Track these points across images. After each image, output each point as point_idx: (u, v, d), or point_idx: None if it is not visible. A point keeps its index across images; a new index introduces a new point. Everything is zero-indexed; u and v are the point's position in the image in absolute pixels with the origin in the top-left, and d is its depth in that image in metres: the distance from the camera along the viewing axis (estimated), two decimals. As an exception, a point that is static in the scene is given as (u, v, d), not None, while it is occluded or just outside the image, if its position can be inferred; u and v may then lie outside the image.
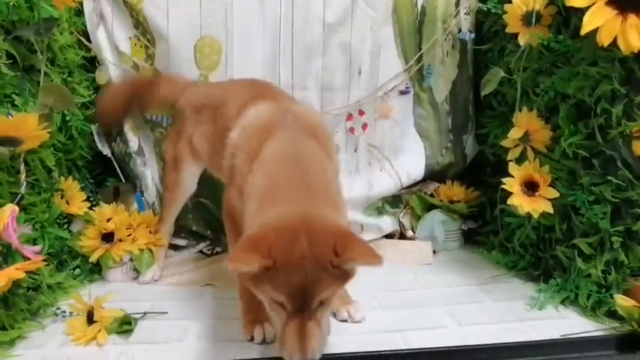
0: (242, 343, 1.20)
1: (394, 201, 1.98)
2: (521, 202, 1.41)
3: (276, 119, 1.26)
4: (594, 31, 1.18)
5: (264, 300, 1.02)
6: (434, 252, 1.84)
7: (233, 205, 1.26)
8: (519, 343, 1.18)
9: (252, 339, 1.18)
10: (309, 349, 0.95)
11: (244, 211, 1.13)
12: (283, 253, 0.94)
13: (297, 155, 1.16)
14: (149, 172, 1.84)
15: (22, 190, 1.31)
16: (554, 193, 1.39)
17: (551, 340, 1.19)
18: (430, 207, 1.96)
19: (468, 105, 1.99)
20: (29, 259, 1.21)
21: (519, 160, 1.48)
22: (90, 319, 1.21)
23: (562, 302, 1.36)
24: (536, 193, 1.42)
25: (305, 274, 0.94)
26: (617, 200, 1.30)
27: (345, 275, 1.00)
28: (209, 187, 1.80)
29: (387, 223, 1.95)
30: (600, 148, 1.31)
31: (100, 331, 1.20)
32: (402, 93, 1.90)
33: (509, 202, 1.43)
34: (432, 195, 1.98)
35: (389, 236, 1.96)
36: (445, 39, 1.88)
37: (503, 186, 1.45)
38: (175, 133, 1.68)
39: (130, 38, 1.78)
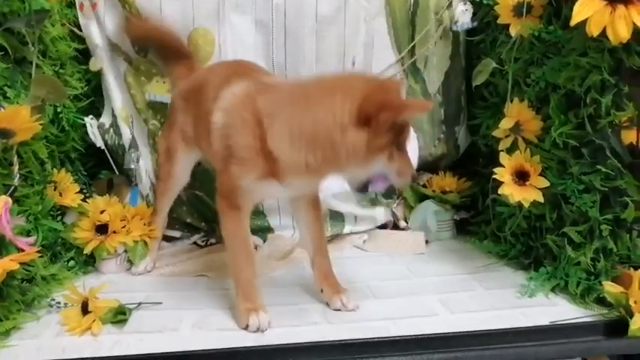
0: (236, 332, 1.21)
1: (387, 192, 1.99)
2: (511, 192, 1.43)
3: (252, 89, 1.25)
4: (584, 22, 1.18)
5: (384, 156, 1.12)
6: (426, 242, 1.85)
7: (234, 183, 1.22)
8: (510, 330, 1.20)
9: (247, 327, 1.20)
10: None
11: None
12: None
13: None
14: (143, 165, 1.84)
15: (15, 182, 1.32)
16: (544, 183, 1.40)
17: (541, 326, 1.21)
18: (423, 198, 1.97)
19: (461, 96, 2.00)
20: (23, 250, 1.22)
21: (510, 150, 1.50)
22: (84, 310, 1.22)
23: (552, 290, 1.38)
24: (527, 183, 1.43)
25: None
26: (606, 189, 1.31)
27: None
28: (203, 179, 1.81)
29: (381, 214, 1.96)
30: (590, 138, 1.32)
31: (94, 321, 1.20)
32: None
33: (500, 191, 1.45)
34: (424, 186, 1.99)
35: (382, 227, 1.97)
36: (437, 31, 1.89)
37: (495, 176, 1.46)
38: (168, 125, 1.69)
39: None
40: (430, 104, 1.23)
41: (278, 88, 1.26)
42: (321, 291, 1.37)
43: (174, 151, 1.62)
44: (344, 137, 1.07)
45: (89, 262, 1.63)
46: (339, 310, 1.32)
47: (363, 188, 1.27)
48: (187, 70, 1.69)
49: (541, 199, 1.41)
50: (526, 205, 1.42)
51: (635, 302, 1.16)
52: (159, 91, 1.81)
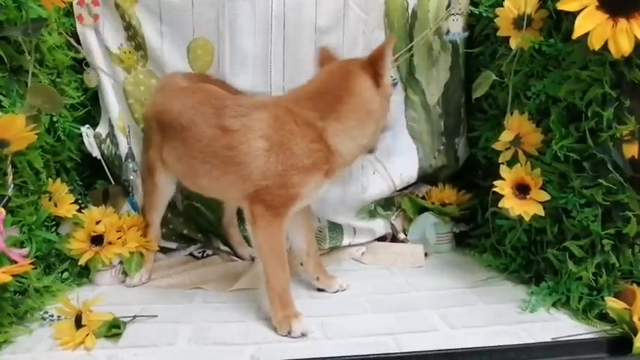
0: (232, 347, 1.19)
1: (386, 204, 1.98)
2: (512, 205, 1.41)
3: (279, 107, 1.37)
4: (585, 35, 1.18)
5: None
6: (425, 255, 1.84)
7: (293, 193, 1.31)
8: (511, 346, 1.18)
9: (289, 334, 1.23)
10: None
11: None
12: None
13: None
14: (139, 175, 1.83)
15: (10, 192, 1.30)
16: (545, 196, 1.39)
17: (542, 342, 1.19)
18: (422, 210, 1.95)
19: (460, 108, 2.00)
20: (16, 262, 1.20)
21: (510, 163, 1.48)
22: (78, 323, 1.20)
23: (554, 305, 1.36)
24: (527, 196, 1.42)
25: None
26: (608, 203, 1.30)
27: None
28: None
29: (380, 226, 1.94)
30: (591, 152, 1.31)
31: (88, 335, 1.18)
32: None
33: (500, 204, 1.44)
34: (423, 197, 1.98)
35: (381, 239, 1.95)
36: (433, 39, 1.88)
37: (495, 189, 1.45)
38: (145, 141, 1.69)
39: (120, 46, 1.77)
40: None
41: (297, 94, 1.41)
42: (317, 279, 1.55)
43: (154, 167, 1.60)
44: (377, 102, 1.35)
45: (83, 274, 1.60)
46: (337, 291, 1.53)
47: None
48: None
49: (542, 213, 1.39)
50: (527, 218, 1.41)
51: (639, 319, 1.14)
52: None
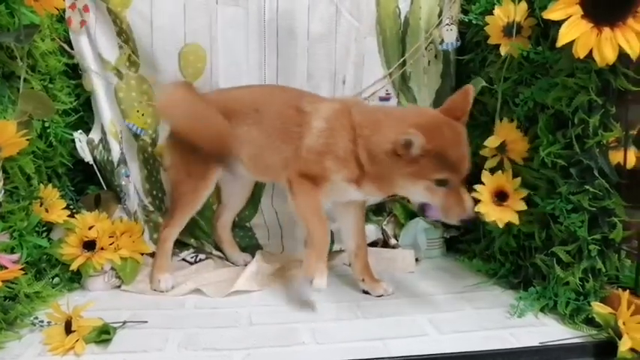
0: (222, 352, 1.19)
1: (377, 209, 1.99)
2: (487, 210, 1.44)
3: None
4: (571, 44, 1.20)
5: (421, 185, 1.32)
6: (416, 260, 1.85)
7: (325, 175, 1.46)
8: (499, 351, 1.19)
9: (310, 282, 1.37)
10: (470, 207, 1.33)
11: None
12: (439, 137, 1.27)
13: None
14: (132, 180, 1.83)
15: (0, 197, 1.30)
16: (522, 206, 1.42)
17: (530, 347, 1.20)
18: (413, 215, 1.97)
19: (451, 114, 2.01)
20: (7, 267, 1.20)
21: (495, 170, 1.50)
22: (68, 329, 1.20)
23: (541, 310, 1.38)
24: (505, 204, 1.44)
25: (458, 150, 1.31)
26: (595, 209, 1.31)
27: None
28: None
29: (371, 232, 1.95)
30: (578, 158, 1.33)
31: (77, 340, 1.18)
32: (382, 99, 1.92)
33: (476, 208, 1.43)
34: (414, 203, 1.99)
35: (372, 244, 1.96)
36: (426, 48, 1.90)
37: (473, 193, 1.45)
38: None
39: (120, 47, 1.78)
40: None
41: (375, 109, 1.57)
42: (362, 280, 1.59)
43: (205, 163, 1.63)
44: (392, 161, 1.34)
45: (74, 280, 1.60)
46: (382, 295, 1.55)
47: (419, 210, 1.48)
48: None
49: (517, 222, 1.42)
50: (500, 225, 1.43)
51: (624, 323, 1.16)
52: (137, 122, 1.81)
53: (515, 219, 1.42)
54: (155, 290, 1.58)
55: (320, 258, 1.41)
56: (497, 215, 1.43)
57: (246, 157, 1.61)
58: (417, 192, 1.36)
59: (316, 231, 1.44)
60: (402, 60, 1.89)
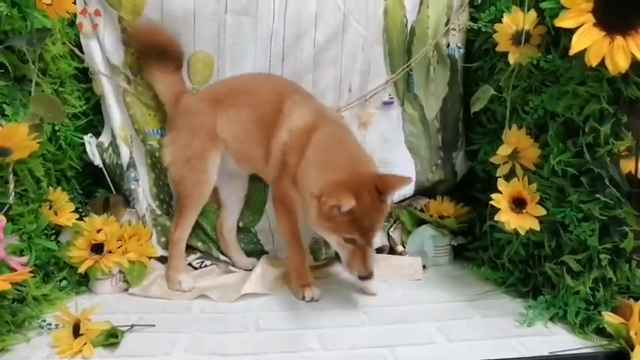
0: (229, 357, 1.19)
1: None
2: (508, 219, 1.43)
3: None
4: (583, 52, 1.20)
5: (333, 238, 1.43)
6: (424, 267, 1.84)
7: (287, 193, 1.57)
8: (509, 360, 1.18)
9: (303, 297, 1.54)
10: (370, 266, 1.42)
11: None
12: (359, 201, 1.32)
13: None
14: (140, 184, 1.83)
15: (10, 200, 1.30)
16: (541, 211, 1.41)
17: (539, 357, 1.19)
18: (420, 222, 1.96)
19: (458, 122, 2.01)
20: (15, 270, 1.20)
21: (508, 177, 1.50)
22: (76, 332, 1.20)
23: (551, 319, 1.37)
24: (524, 210, 1.43)
25: (372, 216, 1.37)
26: (605, 218, 1.31)
27: (386, 207, 1.44)
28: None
29: (377, 238, 1.94)
30: (589, 166, 1.33)
31: (85, 344, 1.18)
32: (386, 104, 1.92)
33: (496, 217, 1.45)
34: (422, 210, 1.99)
35: (379, 251, 1.95)
36: (432, 55, 1.90)
37: (492, 202, 1.46)
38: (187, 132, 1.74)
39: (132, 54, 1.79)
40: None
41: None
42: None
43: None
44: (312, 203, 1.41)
45: (82, 283, 1.61)
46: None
47: None
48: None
49: (537, 227, 1.40)
50: (522, 232, 1.42)
51: (636, 334, 1.15)
52: (154, 126, 1.82)
53: (535, 225, 1.41)
54: (177, 290, 1.62)
55: (300, 276, 1.59)
56: (518, 223, 1.42)
57: (231, 141, 1.68)
58: (327, 238, 1.49)
59: (293, 253, 1.62)
60: (405, 66, 1.89)
